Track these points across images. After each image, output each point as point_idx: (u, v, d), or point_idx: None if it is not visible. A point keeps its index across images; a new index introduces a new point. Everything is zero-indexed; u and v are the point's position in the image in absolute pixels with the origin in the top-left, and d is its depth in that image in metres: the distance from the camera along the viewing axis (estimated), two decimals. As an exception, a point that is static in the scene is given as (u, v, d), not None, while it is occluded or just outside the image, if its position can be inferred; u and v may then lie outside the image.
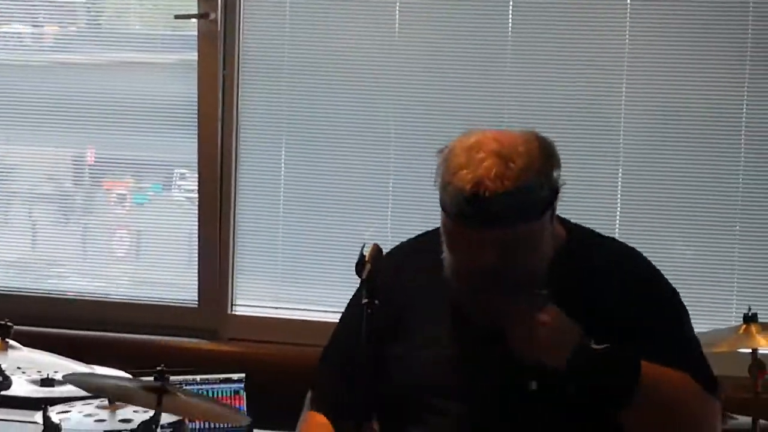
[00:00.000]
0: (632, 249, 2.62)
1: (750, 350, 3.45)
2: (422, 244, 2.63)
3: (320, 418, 2.66)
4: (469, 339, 2.43)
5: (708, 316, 4.20)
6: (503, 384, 2.40)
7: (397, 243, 2.79)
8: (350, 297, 2.75)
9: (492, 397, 2.40)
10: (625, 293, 2.48)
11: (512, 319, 2.33)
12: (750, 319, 3.44)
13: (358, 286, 2.53)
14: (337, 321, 2.76)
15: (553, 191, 2.40)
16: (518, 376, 2.36)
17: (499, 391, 2.40)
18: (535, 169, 2.38)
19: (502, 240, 2.34)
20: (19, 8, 4.90)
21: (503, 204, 2.32)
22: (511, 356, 2.33)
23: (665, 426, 2.40)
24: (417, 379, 2.46)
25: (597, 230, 4.23)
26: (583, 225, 2.55)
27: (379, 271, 2.34)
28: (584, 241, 2.53)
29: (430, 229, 2.64)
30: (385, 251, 2.39)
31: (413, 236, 2.72)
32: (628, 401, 2.37)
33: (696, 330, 3.72)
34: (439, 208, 2.44)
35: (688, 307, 4.24)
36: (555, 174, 2.40)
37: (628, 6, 4.35)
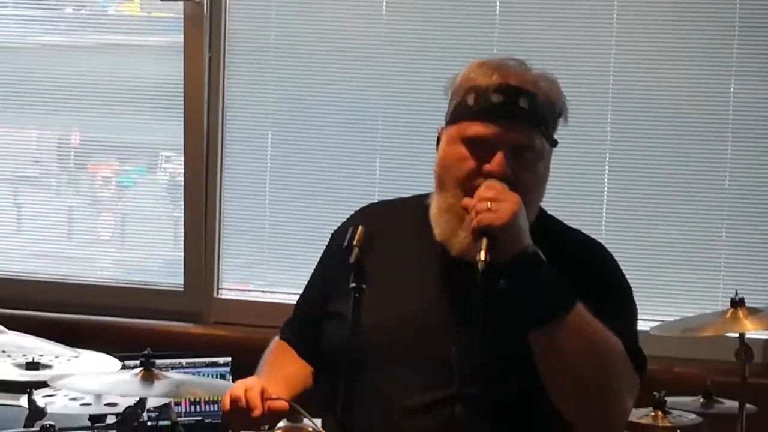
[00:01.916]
0: (598, 243, 2.61)
1: (737, 334, 3.45)
2: (399, 209, 2.64)
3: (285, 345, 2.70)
4: (428, 306, 2.41)
5: (695, 301, 4.22)
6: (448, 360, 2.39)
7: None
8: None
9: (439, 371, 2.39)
10: (586, 283, 2.45)
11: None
12: (737, 303, 3.44)
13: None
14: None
15: (556, 126, 2.49)
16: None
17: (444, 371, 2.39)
18: (553, 82, 2.48)
19: (518, 145, 2.41)
20: (3, -10, 4.89)
21: (529, 98, 2.41)
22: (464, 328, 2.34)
23: (577, 368, 2.33)
24: (374, 336, 2.44)
25: (584, 216, 4.29)
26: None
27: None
28: (553, 225, 2.53)
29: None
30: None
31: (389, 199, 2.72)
32: (551, 320, 2.32)
33: (683, 314, 3.76)
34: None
35: (676, 291, 4.30)
36: (565, 105, 2.49)
37: (616, -5, 4.36)
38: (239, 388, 2.42)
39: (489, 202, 2.32)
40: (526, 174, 2.44)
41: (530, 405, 2.39)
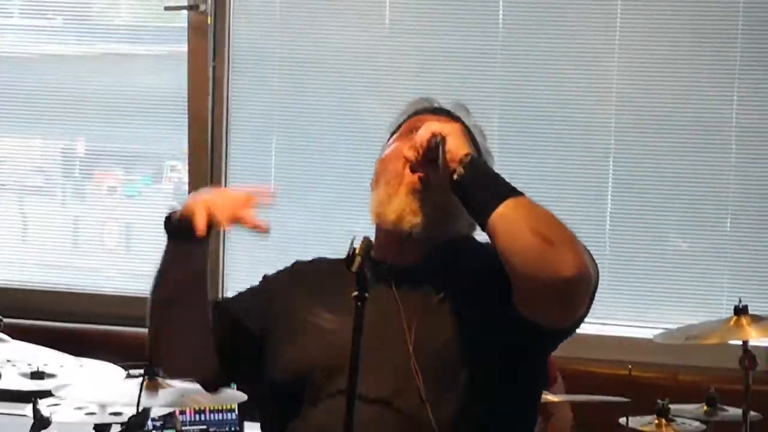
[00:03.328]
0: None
1: (740, 342, 3.45)
2: (333, 264, 2.64)
3: None
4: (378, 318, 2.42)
5: (699, 308, 4.21)
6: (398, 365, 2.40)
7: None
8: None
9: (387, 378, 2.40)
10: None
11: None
12: (741, 311, 3.44)
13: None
14: None
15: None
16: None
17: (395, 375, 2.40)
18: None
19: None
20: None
21: (458, 113, 2.60)
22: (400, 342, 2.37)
23: (539, 230, 2.32)
24: (313, 361, 2.46)
25: (588, 223, 4.31)
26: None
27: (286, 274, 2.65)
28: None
29: None
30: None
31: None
32: (511, 195, 2.36)
33: (687, 322, 3.77)
34: None
35: (680, 298, 4.31)
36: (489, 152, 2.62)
37: (619, 4, 4.35)
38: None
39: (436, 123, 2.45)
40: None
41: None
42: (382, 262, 2.47)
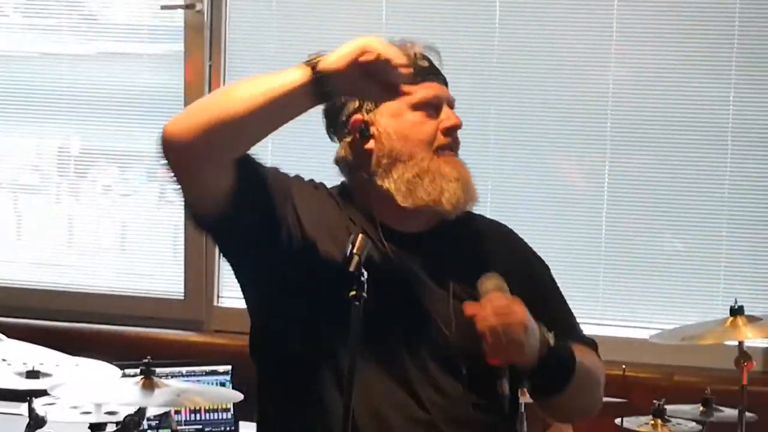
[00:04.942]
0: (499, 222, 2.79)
1: (736, 342, 3.45)
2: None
3: None
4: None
5: (695, 308, 4.22)
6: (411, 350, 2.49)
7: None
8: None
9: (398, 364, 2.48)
10: (509, 252, 2.63)
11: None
12: (736, 311, 3.44)
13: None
14: None
15: None
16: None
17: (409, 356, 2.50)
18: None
19: (451, 99, 2.64)
20: (3, -2, 4.90)
21: (437, 62, 2.66)
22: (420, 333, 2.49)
23: (586, 395, 2.58)
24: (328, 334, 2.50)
25: (584, 224, 4.31)
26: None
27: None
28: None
29: None
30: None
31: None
32: (567, 385, 2.47)
33: (683, 322, 3.77)
34: None
35: (675, 298, 4.32)
36: None
37: (615, 3, 4.35)
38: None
39: (502, 333, 2.35)
40: None
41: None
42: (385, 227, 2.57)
